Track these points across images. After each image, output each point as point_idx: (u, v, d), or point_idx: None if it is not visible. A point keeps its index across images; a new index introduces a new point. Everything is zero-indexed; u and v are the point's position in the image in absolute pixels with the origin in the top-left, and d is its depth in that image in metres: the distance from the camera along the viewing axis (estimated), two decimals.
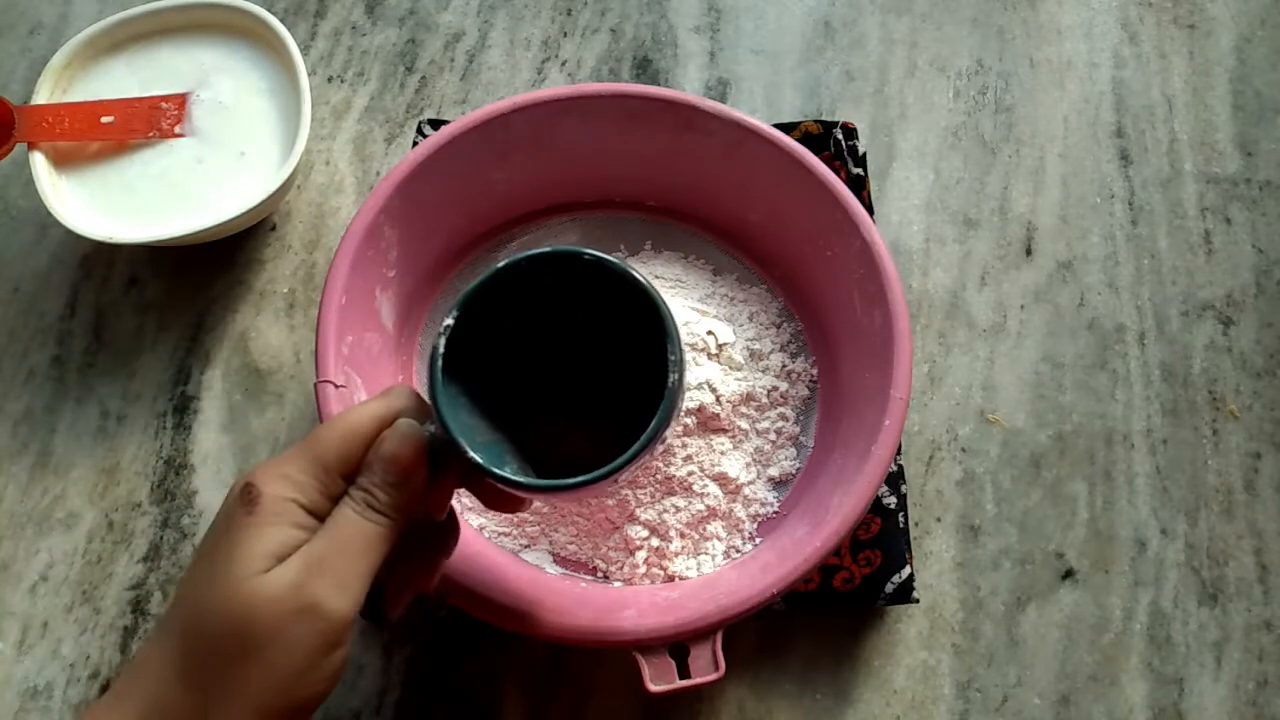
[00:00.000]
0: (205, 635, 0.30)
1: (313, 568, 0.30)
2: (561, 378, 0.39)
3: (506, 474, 0.32)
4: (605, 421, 0.37)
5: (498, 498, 0.35)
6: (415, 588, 0.35)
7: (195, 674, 0.29)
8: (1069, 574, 0.49)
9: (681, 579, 0.45)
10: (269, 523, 0.30)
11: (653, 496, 0.46)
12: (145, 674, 0.30)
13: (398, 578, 0.34)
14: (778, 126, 0.49)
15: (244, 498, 0.30)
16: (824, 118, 0.59)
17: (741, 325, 0.51)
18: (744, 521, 0.47)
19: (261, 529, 0.30)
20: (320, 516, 0.31)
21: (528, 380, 0.38)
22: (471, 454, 0.32)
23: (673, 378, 0.32)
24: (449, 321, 0.33)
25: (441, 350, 0.33)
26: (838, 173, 0.48)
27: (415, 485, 0.32)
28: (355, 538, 0.31)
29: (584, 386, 0.39)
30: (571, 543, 0.46)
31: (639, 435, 0.32)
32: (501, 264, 0.34)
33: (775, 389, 0.49)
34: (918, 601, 0.47)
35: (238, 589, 0.29)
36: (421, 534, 0.34)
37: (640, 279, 0.33)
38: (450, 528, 0.36)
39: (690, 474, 0.46)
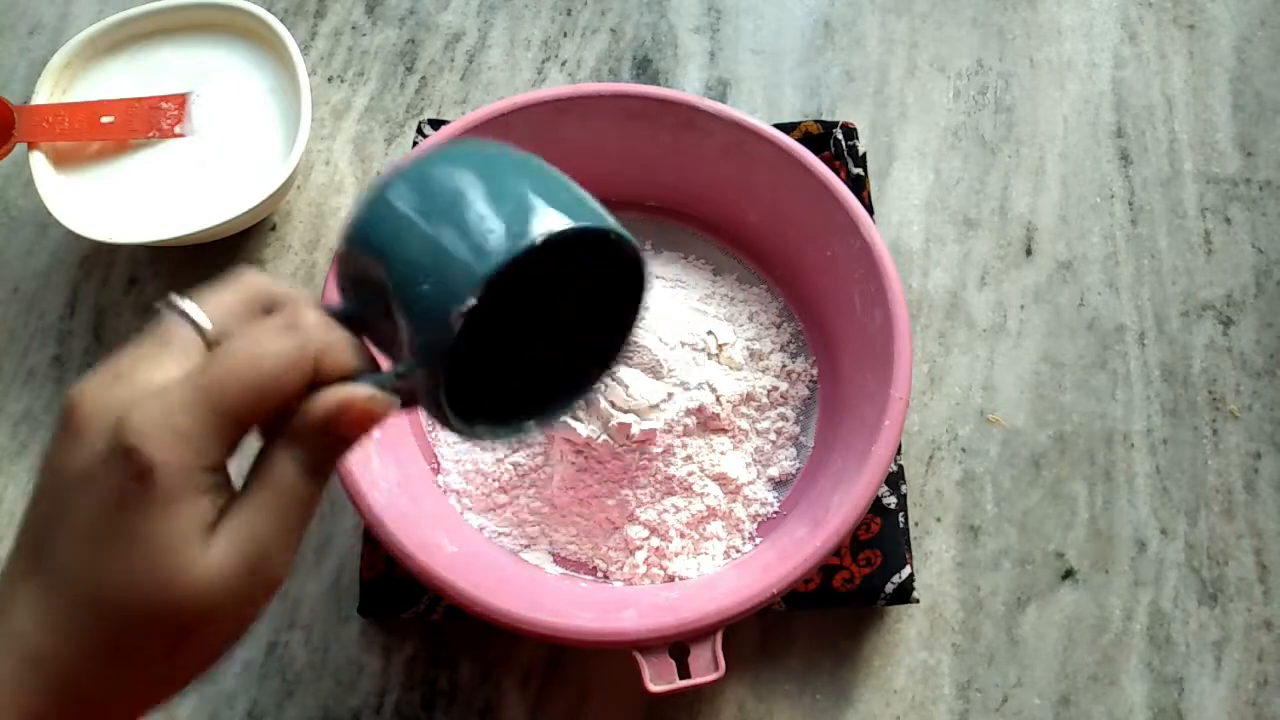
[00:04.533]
0: (133, 624, 0.25)
1: (258, 547, 0.26)
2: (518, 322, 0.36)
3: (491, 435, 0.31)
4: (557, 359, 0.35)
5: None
6: None
7: (112, 657, 0.26)
8: (1069, 574, 0.49)
9: (681, 579, 0.45)
10: (174, 499, 0.25)
11: (653, 496, 0.46)
12: (47, 664, 0.25)
13: None
14: (778, 127, 0.49)
15: (129, 467, 0.24)
16: (824, 118, 0.59)
17: (741, 325, 0.51)
18: (744, 521, 0.47)
19: (168, 508, 0.25)
20: (222, 471, 0.26)
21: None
22: (463, 428, 0.30)
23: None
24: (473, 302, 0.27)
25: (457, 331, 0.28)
26: (838, 173, 0.48)
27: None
28: (296, 503, 0.27)
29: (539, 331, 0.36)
30: (571, 543, 0.46)
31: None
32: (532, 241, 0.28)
33: (775, 389, 0.49)
34: (918, 601, 0.47)
35: (173, 581, 0.25)
36: None
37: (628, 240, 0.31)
38: None
39: (690, 474, 0.46)
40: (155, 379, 0.26)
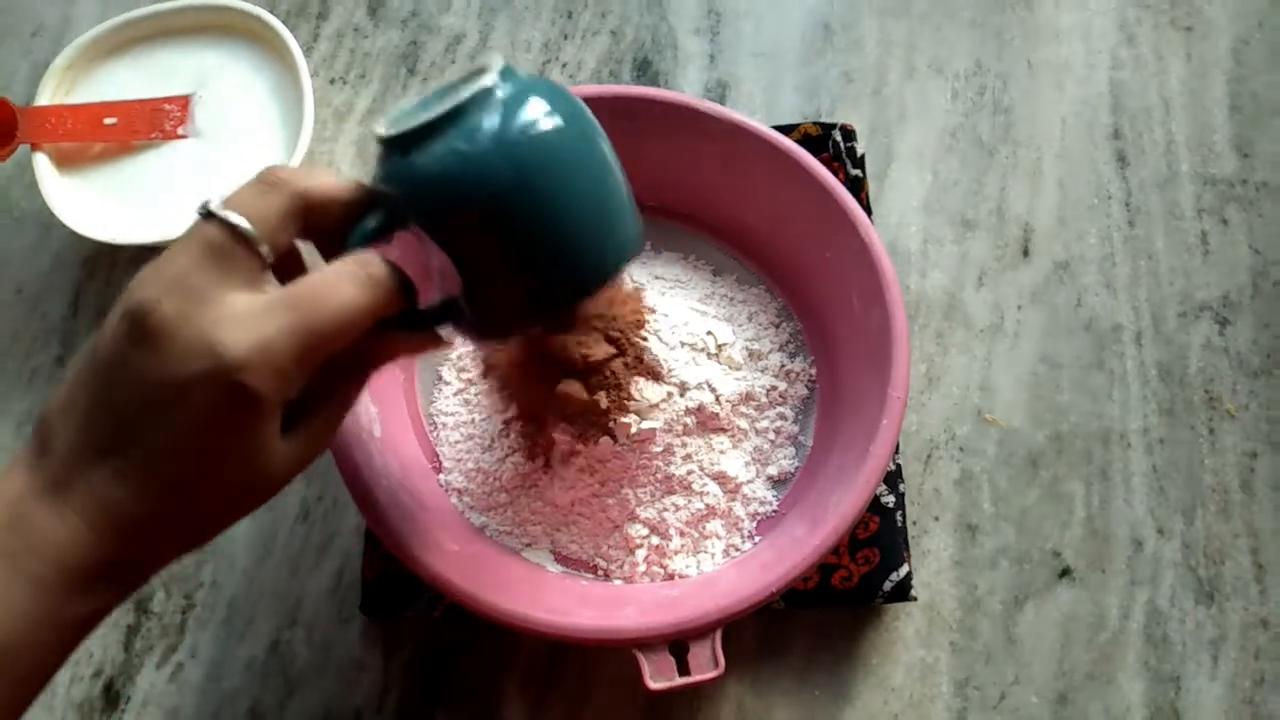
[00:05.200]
0: (215, 498, 0.30)
1: (317, 447, 0.32)
2: None
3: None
4: None
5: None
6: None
7: (188, 516, 0.31)
8: (1066, 573, 0.49)
9: (681, 577, 0.45)
10: (268, 418, 0.29)
11: (653, 495, 0.46)
12: (126, 518, 0.29)
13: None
14: (777, 128, 0.50)
15: (236, 395, 0.28)
16: (823, 119, 0.59)
17: (741, 325, 0.51)
18: (743, 520, 0.47)
19: (263, 424, 0.29)
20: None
21: None
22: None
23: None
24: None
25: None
26: (836, 174, 0.48)
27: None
28: (346, 413, 0.34)
29: None
30: (572, 541, 0.47)
31: None
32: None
33: (774, 388, 0.49)
34: (916, 600, 0.47)
35: (256, 472, 0.30)
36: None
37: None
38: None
39: (690, 473, 0.46)
40: (237, 305, 0.28)
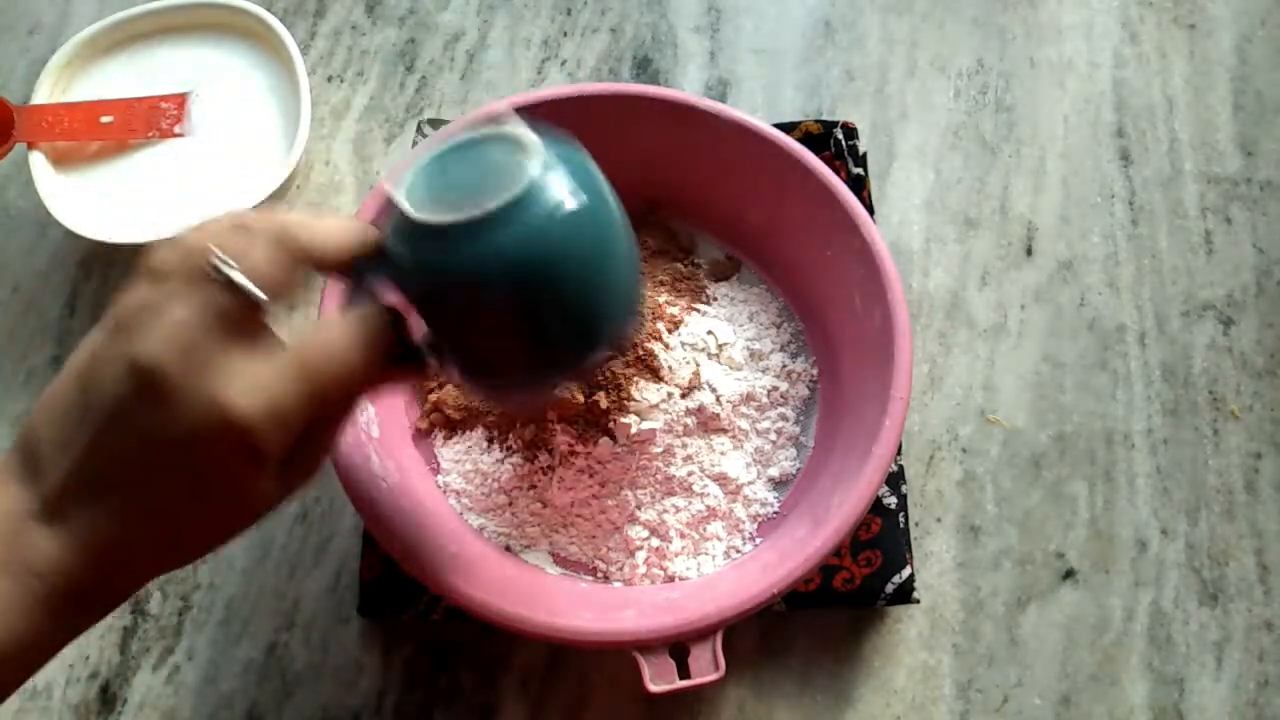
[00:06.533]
0: (215, 531, 0.32)
1: (309, 478, 0.33)
2: None
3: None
4: None
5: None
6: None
7: (184, 545, 0.32)
8: (1069, 574, 0.49)
9: (682, 579, 0.45)
10: (271, 462, 0.30)
11: (653, 497, 0.46)
12: (122, 550, 0.30)
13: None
14: (778, 126, 0.49)
15: (242, 448, 0.29)
16: (824, 117, 0.59)
17: (741, 325, 0.51)
18: (744, 522, 0.47)
19: (266, 468, 0.30)
20: None
21: None
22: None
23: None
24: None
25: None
26: (838, 172, 0.48)
27: None
28: (332, 447, 0.35)
29: None
30: (572, 543, 0.46)
31: None
32: None
33: (775, 389, 0.49)
34: (918, 602, 0.47)
35: (255, 508, 0.31)
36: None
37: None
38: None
39: (690, 474, 0.46)
40: (247, 370, 0.29)
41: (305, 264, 0.31)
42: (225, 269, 0.29)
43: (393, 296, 0.33)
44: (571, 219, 0.31)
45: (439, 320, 0.33)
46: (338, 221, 0.32)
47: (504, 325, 0.32)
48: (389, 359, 0.33)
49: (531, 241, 0.31)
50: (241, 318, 0.29)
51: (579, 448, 0.46)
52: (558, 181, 0.31)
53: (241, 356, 0.29)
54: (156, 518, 0.30)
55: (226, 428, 0.28)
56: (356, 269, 0.33)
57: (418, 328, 0.34)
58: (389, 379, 0.36)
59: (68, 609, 0.30)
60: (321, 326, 0.32)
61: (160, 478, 0.29)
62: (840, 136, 0.55)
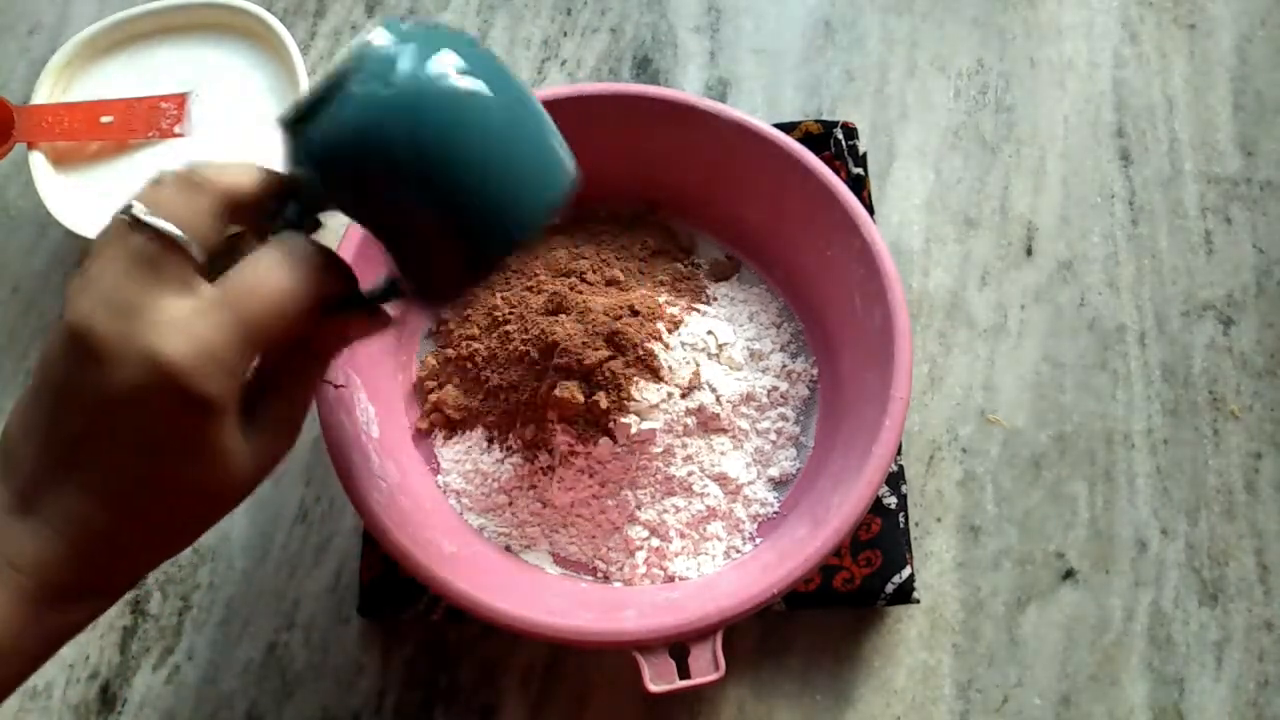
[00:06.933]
0: (182, 503, 0.31)
1: (282, 442, 0.33)
2: None
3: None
4: None
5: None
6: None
7: (157, 525, 0.31)
8: (1069, 574, 0.49)
9: (681, 579, 0.45)
10: (220, 414, 0.29)
11: (653, 497, 0.46)
12: (96, 532, 0.30)
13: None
14: (778, 126, 0.49)
15: (181, 398, 0.28)
16: (824, 117, 0.59)
17: (741, 325, 0.51)
18: (744, 522, 0.47)
19: (216, 422, 0.29)
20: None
21: None
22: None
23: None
24: None
25: None
26: (838, 173, 0.48)
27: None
28: (308, 404, 0.34)
29: None
30: (572, 543, 0.46)
31: None
32: None
33: (775, 389, 0.49)
34: (918, 602, 0.47)
35: (219, 472, 0.30)
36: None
37: None
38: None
39: (690, 474, 0.46)
40: (172, 312, 0.28)
41: (220, 203, 0.30)
42: (137, 213, 0.28)
43: (342, 218, 0.32)
44: (418, 71, 0.30)
45: (367, 223, 0.32)
46: (244, 163, 0.31)
47: (395, 201, 0.31)
48: (331, 290, 0.31)
49: (379, 99, 0.30)
50: (167, 263, 0.28)
51: (579, 448, 0.46)
52: (400, 45, 0.30)
53: (170, 303, 0.28)
54: (122, 491, 0.29)
55: (158, 374, 0.27)
56: (276, 212, 0.32)
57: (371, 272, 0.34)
58: (348, 324, 0.34)
59: (54, 603, 0.29)
60: (248, 259, 0.30)
61: (112, 443, 0.28)
62: (840, 136, 0.55)
